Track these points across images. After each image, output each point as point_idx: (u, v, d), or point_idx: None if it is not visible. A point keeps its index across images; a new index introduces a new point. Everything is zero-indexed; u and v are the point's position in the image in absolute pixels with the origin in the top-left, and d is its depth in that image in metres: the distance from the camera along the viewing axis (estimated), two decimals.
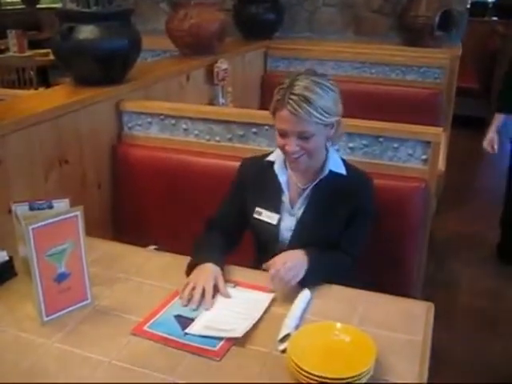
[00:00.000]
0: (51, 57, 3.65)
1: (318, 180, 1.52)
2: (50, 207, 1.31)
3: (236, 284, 1.41)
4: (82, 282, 1.30)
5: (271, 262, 1.37)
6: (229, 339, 1.18)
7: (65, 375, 1.10)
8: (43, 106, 1.85)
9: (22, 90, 4.28)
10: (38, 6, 7.54)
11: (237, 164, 1.66)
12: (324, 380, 1.01)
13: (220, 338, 1.19)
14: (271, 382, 1.08)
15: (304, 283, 1.35)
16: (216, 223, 1.61)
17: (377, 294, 1.38)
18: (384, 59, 3.41)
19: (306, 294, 1.33)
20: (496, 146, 2.82)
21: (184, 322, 1.25)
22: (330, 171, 1.52)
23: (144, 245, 1.67)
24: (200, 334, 1.20)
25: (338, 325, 1.17)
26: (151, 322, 1.25)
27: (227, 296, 1.35)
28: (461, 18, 3.76)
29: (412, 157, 1.80)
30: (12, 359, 1.14)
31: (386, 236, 1.72)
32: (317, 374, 1.01)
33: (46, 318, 1.25)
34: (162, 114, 2.14)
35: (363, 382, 1.03)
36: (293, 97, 1.37)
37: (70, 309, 1.29)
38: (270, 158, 1.59)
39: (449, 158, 3.14)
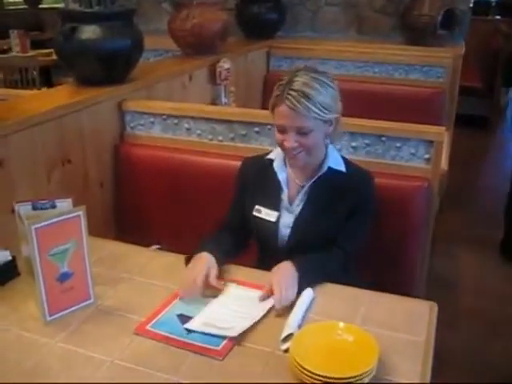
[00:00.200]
0: (54, 57, 3.68)
1: (316, 177, 1.52)
2: (53, 207, 1.31)
3: (238, 283, 1.41)
4: (85, 281, 1.30)
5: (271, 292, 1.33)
6: (231, 338, 1.18)
7: (68, 375, 1.10)
8: (46, 106, 1.85)
9: (25, 90, 4.29)
10: (41, 6, 7.57)
11: (239, 163, 1.67)
12: (327, 379, 1.01)
13: (219, 336, 1.19)
14: (274, 381, 1.08)
15: (299, 289, 1.34)
16: (224, 224, 1.63)
17: (379, 294, 1.37)
18: (387, 58, 3.40)
19: (308, 293, 1.33)
20: None
21: (187, 321, 1.25)
22: (330, 168, 1.52)
23: (147, 244, 1.67)
24: (198, 330, 1.21)
25: (341, 324, 1.17)
26: (154, 321, 1.26)
27: (217, 288, 1.36)
28: (464, 17, 3.75)
29: (415, 156, 1.79)
30: (15, 358, 1.14)
31: (389, 235, 1.72)
32: (319, 373, 1.01)
33: (49, 318, 1.25)
34: (164, 114, 2.14)
35: (366, 381, 1.03)
36: (292, 92, 1.38)
37: (73, 308, 1.29)
38: (270, 156, 1.59)
39: (452, 157, 3.13)
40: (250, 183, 1.61)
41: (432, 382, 1.09)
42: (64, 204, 1.32)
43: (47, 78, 5.27)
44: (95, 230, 1.40)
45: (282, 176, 1.56)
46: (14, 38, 5.17)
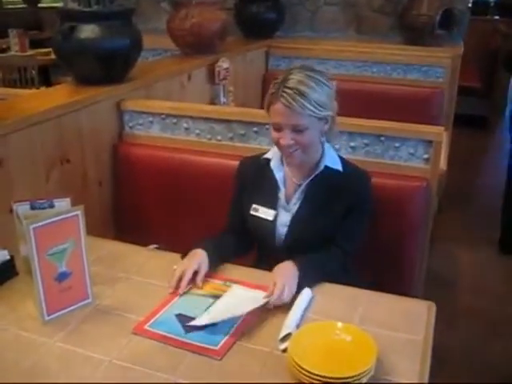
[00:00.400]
0: (52, 56, 3.66)
1: (313, 175, 1.53)
2: (51, 206, 1.32)
3: (240, 284, 1.41)
4: (83, 281, 1.30)
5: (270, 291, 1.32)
6: (230, 338, 1.18)
7: (66, 374, 1.10)
8: (45, 105, 1.85)
9: (24, 89, 4.29)
10: (40, 5, 7.54)
11: (238, 163, 1.67)
12: (325, 379, 1.01)
13: (225, 327, 1.21)
14: (272, 381, 1.08)
15: (299, 288, 1.34)
16: (226, 226, 1.64)
17: (378, 294, 1.38)
18: (385, 58, 3.40)
19: (307, 293, 1.33)
20: None
21: (185, 320, 1.25)
22: (326, 167, 1.52)
23: (145, 244, 1.67)
24: (207, 323, 1.22)
25: (339, 324, 1.17)
26: (152, 321, 1.26)
27: (198, 284, 1.38)
28: (462, 17, 3.75)
29: (413, 156, 1.79)
30: (13, 358, 1.14)
31: (388, 235, 1.73)
32: (318, 373, 1.01)
33: (47, 318, 1.25)
34: (163, 114, 2.14)
35: (364, 381, 1.03)
36: (287, 90, 1.38)
37: (71, 308, 1.29)
38: (267, 155, 1.60)
39: (450, 157, 3.13)
40: (248, 183, 1.61)
41: (430, 382, 1.09)
42: (62, 203, 1.33)
43: (46, 77, 5.27)
44: (93, 230, 1.40)
45: (279, 175, 1.56)
46: (13, 37, 5.17)
